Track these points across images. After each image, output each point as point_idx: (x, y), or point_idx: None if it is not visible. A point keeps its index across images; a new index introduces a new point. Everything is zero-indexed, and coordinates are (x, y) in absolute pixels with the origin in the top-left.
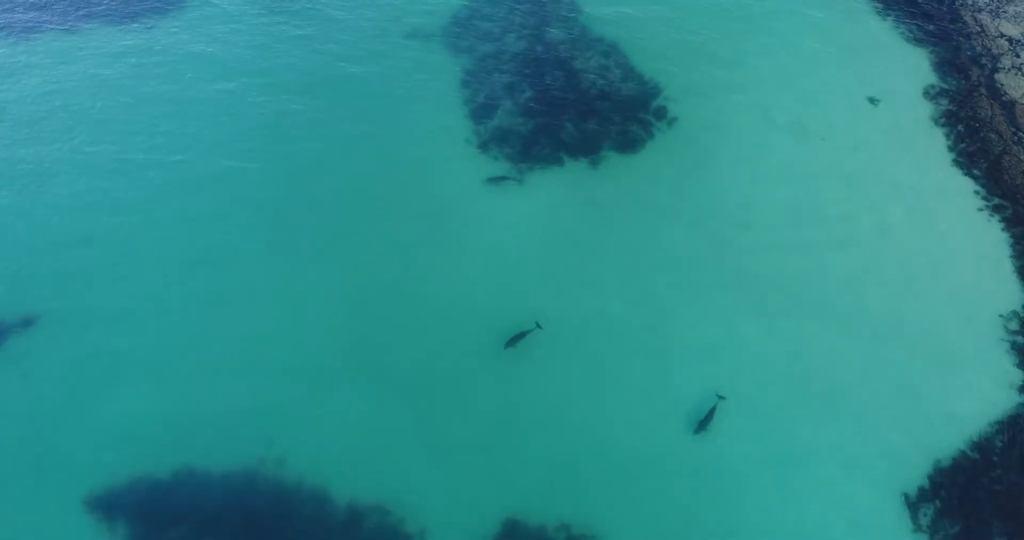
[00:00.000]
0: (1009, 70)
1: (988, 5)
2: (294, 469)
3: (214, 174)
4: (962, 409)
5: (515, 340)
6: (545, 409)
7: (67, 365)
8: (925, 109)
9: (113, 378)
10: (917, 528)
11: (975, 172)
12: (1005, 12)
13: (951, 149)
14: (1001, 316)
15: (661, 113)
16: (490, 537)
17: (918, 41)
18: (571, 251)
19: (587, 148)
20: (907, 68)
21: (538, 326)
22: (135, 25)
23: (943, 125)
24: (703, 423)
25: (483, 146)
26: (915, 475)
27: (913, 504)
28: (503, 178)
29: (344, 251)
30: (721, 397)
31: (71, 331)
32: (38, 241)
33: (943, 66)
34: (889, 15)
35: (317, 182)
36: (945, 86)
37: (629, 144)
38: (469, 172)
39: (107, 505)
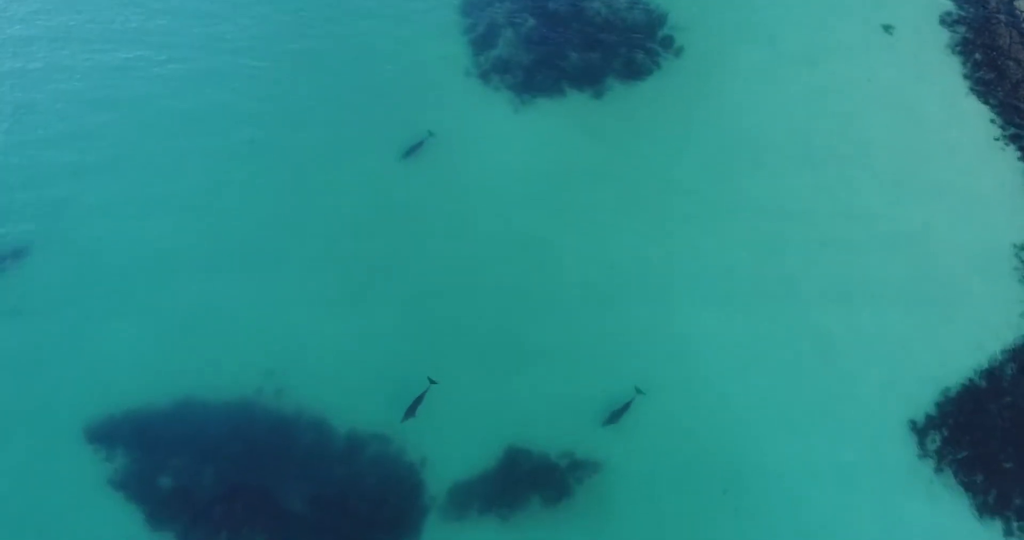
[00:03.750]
0: None
1: None
2: (292, 399)
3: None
4: (973, 338)
5: (414, 407)
6: (548, 338)
7: (59, 297)
8: (941, 37)
9: (107, 310)
10: (924, 454)
11: (992, 101)
12: None
13: (967, 77)
14: (1015, 245)
15: (667, 42)
16: (492, 465)
17: None
18: (574, 181)
19: (591, 78)
20: None
21: (432, 382)
22: None
23: (959, 53)
24: (616, 415)
25: (484, 76)
26: (923, 403)
27: (921, 431)
28: (418, 145)
29: (341, 181)
30: (640, 392)
31: (62, 262)
32: (24, 168)
33: None
34: None
35: (310, 112)
36: (962, 13)
37: (634, 74)
38: (469, 103)
39: (105, 435)
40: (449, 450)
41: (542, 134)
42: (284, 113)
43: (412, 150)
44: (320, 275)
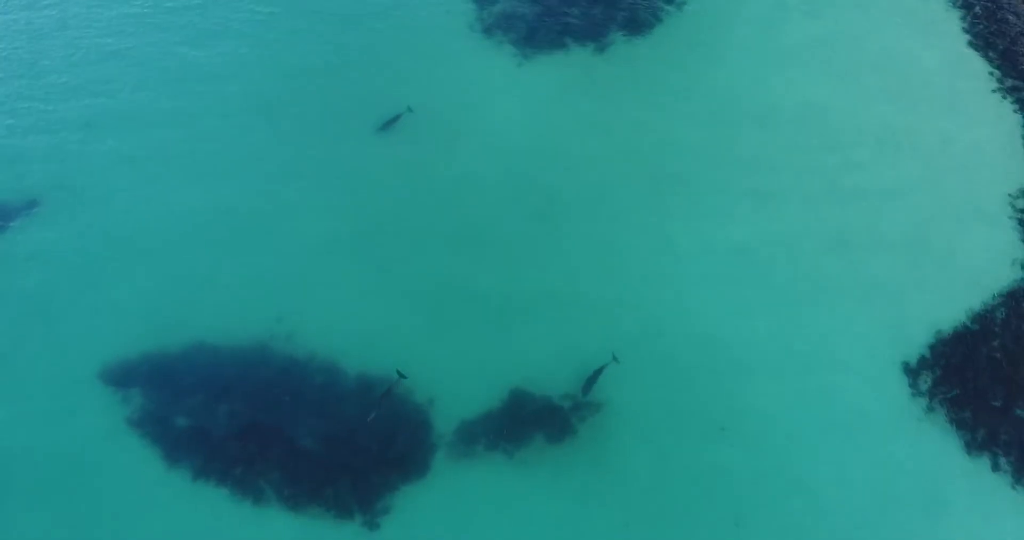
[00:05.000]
0: None
1: None
2: (303, 343)
3: None
4: (966, 283)
5: (380, 401)
6: (552, 282)
7: (72, 245)
8: None
9: (120, 257)
10: (916, 393)
11: (991, 54)
12: None
13: (967, 31)
14: (1009, 195)
15: None
16: (498, 405)
17: None
18: (577, 133)
19: (594, 33)
20: None
21: (401, 376)
22: None
23: (959, 7)
24: (589, 383)
25: (487, 31)
26: (917, 345)
27: (913, 371)
28: (395, 118)
29: (348, 133)
30: (616, 359)
31: (76, 210)
32: (37, 116)
33: None
34: None
35: (313, 65)
36: None
37: (637, 28)
38: (473, 57)
39: (121, 377)
40: (456, 392)
41: (545, 88)
42: (290, 59)
43: (389, 123)
44: (327, 222)
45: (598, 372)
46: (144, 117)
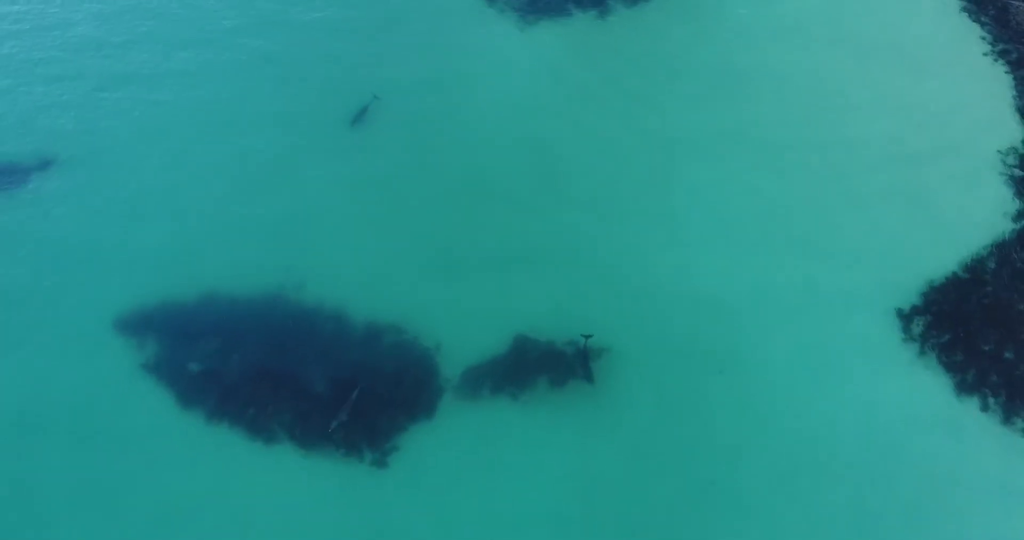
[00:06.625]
0: None
1: None
2: (313, 293)
3: None
4: (957, 235)
5: (345, 409)
6: (555, 232)
7: (87, 202)
8: None
9: (134, 209)
10: (909, 338)
11: (983, 19)
12: None
13: None
14: (999, 151)
15: None
16: (502, 351)
17: None
18: (578, 94)
19: None
20: None
21: (361, 388)
22: None
23: None
24: (586, 367)
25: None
26: (909, 293)
27: (906, 317)
28: (364, 109)
29: (354, 93)
30: (588, 336)
31: (91, 164)
32: (53, 76)
33: None
34: None
35: (321, 34)
36: None
37: None
38: (474, 24)
39: (135, 326)
40: (462, 338)
41: (547, 53)
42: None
43: (359, 116)
44: (336, 174)
45: (585, 350)
46: (157, 72)
